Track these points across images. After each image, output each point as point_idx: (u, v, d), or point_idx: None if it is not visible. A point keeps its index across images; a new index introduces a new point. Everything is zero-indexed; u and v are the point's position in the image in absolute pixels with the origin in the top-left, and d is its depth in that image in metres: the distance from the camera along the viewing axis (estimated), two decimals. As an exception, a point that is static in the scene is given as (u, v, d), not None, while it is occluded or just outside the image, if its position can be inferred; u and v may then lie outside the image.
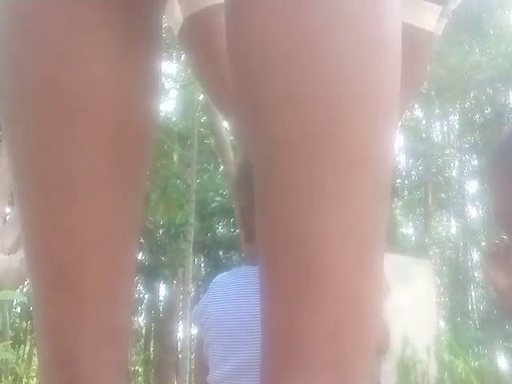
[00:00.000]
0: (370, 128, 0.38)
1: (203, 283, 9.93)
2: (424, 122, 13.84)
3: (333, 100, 0.37)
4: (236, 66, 0.41)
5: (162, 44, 0.51)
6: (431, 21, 0.55)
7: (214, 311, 1.20)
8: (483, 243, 14.33)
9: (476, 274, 14.22)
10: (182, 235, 8.32)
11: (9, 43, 0.45)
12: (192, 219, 6.79)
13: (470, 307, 13.80)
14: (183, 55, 9.76)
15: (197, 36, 0.70)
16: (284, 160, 0.37)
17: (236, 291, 1.19)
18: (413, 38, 0.56)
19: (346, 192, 0.37)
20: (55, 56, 0.44)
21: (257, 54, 0.38)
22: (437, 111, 13.93)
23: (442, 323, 10.14)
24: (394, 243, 11.20)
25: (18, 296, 2.16)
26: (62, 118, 0.44)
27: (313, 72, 0.37)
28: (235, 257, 9.04)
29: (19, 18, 0.45)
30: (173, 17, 0.55)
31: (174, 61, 9.73)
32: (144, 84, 0.48)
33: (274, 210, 0.39)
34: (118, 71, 0.45)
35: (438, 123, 14.51)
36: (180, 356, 7.55)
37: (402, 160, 13.02)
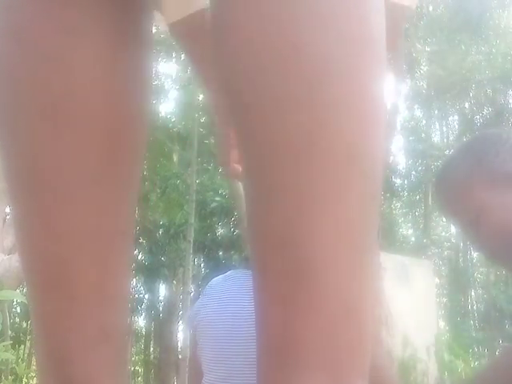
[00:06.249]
0: (356, 127, 0.38)
1: (203, 283, 9.92)
2: (424, 122, 13.83)
3: (317, 101, 0.37)
4: (221, 71, 0.41)
5: (152, 44, 0.51)
6: None
7: (206, 315, 1.20)
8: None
9: (476, 274, 14.22)
10: (181, 235, 8.32)
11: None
12: (192, 219, 6.79)
13: (469, 307, 13.80)
14: (183, 55, 9.77)
15: (185, 40, 0.71)
16: (271, 163, 0.37)
17: (226, 295, 1.19)
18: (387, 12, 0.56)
19: (334, 192, 0.37)
20: (45, 58, 0.44)
21: (238, 58, 0.38)
22: (436, 111, 13.92)
23: (441, 323, 10.14)
24: (394, 243, 11.20)
25: (18, 296, 2.16)
26: (53, 119, 0.44)
27: (296, 74, 0.37)
28: (235, 257, 9.04)
29: (9, 22, 0.45)
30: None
31: (174, 61, 9.73)
32: (135, 84, 0.48)
33: (263, 213, 0.39)
34: (108, 72, 0.45)
35: (437, 123, 14.50)
36: (180, 356, 7.55)
37: (401, 160, 13.02)
